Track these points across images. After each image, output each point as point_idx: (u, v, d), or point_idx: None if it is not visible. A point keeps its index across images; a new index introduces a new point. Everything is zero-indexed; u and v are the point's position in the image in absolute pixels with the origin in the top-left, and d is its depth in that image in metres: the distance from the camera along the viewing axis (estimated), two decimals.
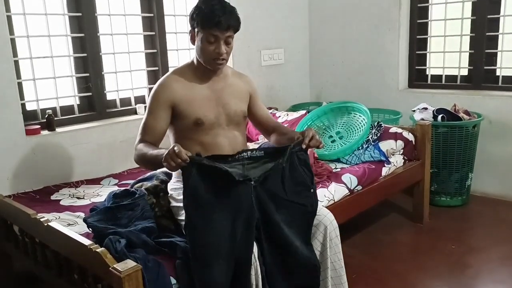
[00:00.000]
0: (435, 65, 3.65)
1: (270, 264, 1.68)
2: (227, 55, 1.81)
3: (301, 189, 1.75)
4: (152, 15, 3.03)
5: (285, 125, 3.07)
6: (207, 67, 1.85)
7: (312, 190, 1.77)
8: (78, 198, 2.29)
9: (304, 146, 1.75)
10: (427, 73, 3.69)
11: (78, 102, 2.79)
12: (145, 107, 1.90)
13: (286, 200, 1.72)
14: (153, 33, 3.05)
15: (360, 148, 2.69)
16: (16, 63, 2.46)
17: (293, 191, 1.73)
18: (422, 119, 3.07)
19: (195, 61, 1.89)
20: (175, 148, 1.55)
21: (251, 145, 2.74)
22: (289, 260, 1.71)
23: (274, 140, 2.02)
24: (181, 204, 1.83)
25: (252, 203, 1.65)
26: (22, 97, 2.51)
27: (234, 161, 1.68)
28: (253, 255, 1.62)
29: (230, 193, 1.64)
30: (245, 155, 1.69)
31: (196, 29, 1.80)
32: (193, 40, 1.84)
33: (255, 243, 1.65)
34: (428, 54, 3.67)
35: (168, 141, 1.97)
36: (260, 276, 1.64)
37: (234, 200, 1.64)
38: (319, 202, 2.12)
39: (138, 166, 2.01)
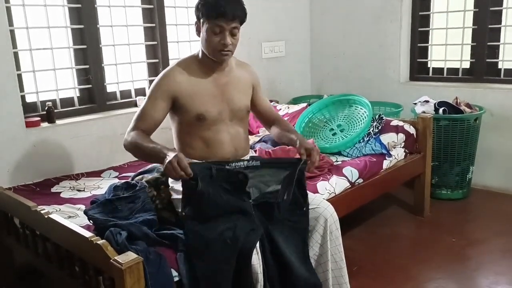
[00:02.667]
0: (436, 58, 3.64)
1: (272, 277, 1.68)
2: (232, 47, 1.78)
3: (294, 207, 1.77)
4: (152, 6, 3.01)
5: (286, 118, 3.07)
6: (212, 60, 1.82)
7: (304, 209, 1.79)
8: (79, 190, 2.28)
9: (307, 171, 1.80)
10: (429, 65, 3.68)
11: (78, 94, 2.77)
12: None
13: (279, 219, 1.74)
14: (153, 25, 3.03)
15: (361, 141, 2.68)
16: (16, 54, 2.44)
17: (286, 210, 1.76)
18: (424, 112, 3.06)
19: (200, 53, 1.86)
20: (178, 157, 1.56)
21: (252, 138, 2.73)
22: (287, 276, 1.70)
23: (275, 134, 2.02)
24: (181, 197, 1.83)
25: (253, 217, 1.69)
26: (22, 89, 2.50)
27: (230, 169, 1.72)
28: (255, 253, 1.61)
29: (232, 207, 1.68)
30: (242, 165, 1.72)
31: (201, 20, 1.77)
32: (198, 32, 1.81)
33: (258, 254, 1.63)
34: (430, 47, 3.65)
35: (170, 135, 1.96)
36: (262, 273, 1.64)
37: (236, 212, 1.68)
38: (319, 194, 2.13)
39: (136, 159, 2.00)
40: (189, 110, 1.82)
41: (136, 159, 2.05)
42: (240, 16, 1.76)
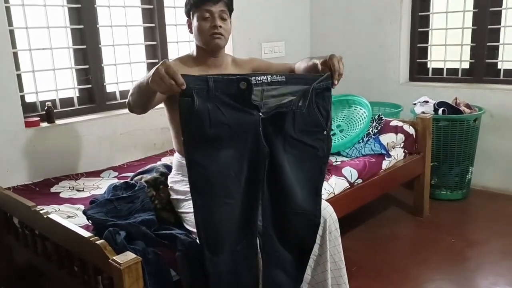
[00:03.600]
0: (436, 58, 3.64)
1: (267, 213, 1.55)
2: (225, 32, 1.80)
3: (313, 129, 1.57)
4: (152, 6, 3.01)
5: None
6: (206, 55, 1.84)
7: (325, 133, 1.59)
8: (78, 190, 2.28)
9: (336, 83, 1.61)
10: (428, 66, 3.68)
11: (77, 94, 2.77)
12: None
13: (295, 139, 1.55)
14: (153, 25, 3.03)
15: (361, 141, 2.68)
16: (15, 54, 2.44)
17: (303, 130, 1.55)
18: (423, 113, 3.06)
19: (194, 51, 1.89)
20: (166, 64, 1.35)
21: None
22: (286, 209, 1.57)
23: (300, 69, 1.93)
24: (181, 197, 1.83)
25: (260, 136, 1.48)
26: (21, 89, 2.50)
27: (252, 84, 1.46)
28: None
29: (236, 125, 1.46)
30: (265, 79, 1.48)
31: (191, 13, 1.82)
32: (190, 29, 1.85)
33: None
34: (429, 47, 3.65)
35: (170, 135, 1.96)
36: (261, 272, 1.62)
37: (240, 133, 1.47)
38: None
39: (137, 156, 1.98)
40: None
41: (137, 159, 2.03)
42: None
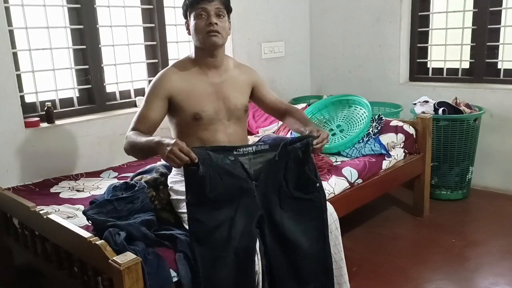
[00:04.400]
0: (436, 58, 3.63)
1: (279, 268, 1.66)
2: (221, 29, 1.79)
3: (305, 184, 1.73)
4: (151, 7, 3.01)
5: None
6: (205, 57, 1.84)
7: (318, 185, 1.74)
8: (78, 190, 2.28)
9: (314, 143, 1.72)
10: (428, 66, 3.68)
11: (77, 95, 2.77)
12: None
13: (290, 197, 1.71)
14: (152, 25, 3.03)
15: (361, 141, 2.68)
16: (15, 55, 2.44)
17: (297, 187, 1.72)
18: (423, 112, 3.05)
19: (193, 53, 1.89)
20: (179, 145, 1.54)
21: (251, 138, 2.73)
22: (296, 259, 1.68)
23: (287, 123, 2.05)
24: (181, 197, 1.83)
25: (255, 200, 1.66)
26: (21, 89, 2.50)
27: (239, 155, 1.68)
28: (256, 250, 1.62)
29: (234, 190, 1.65)
30: (251, 150, 1.69)
31: (187, 13, 1.83)
32: (188, 30, 1.85)
33: (258, 241, 1.64)
34: (429, 47, 3.65)
35: (169, 136, 1.96)
36: (261, 274, 1.64)
37: (237, 196, 1.65)
38: None
39: (136, 159, 1.99)
40: (185, 109, 1.82)
41: (136, 159, 2.05)
42: None
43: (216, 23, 1.77)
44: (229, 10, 1.85)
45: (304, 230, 1.71)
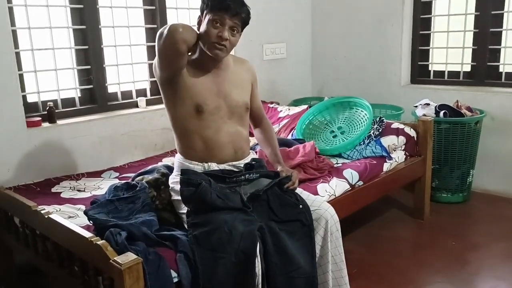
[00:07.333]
0: (438, 61, 3.64)
1: (274, 270, 1.69)
2: (229, 45, 1.77)
3: (290, 209, 1.81)
4: (154, 7, 3.02)
5: (286, 120, 3.07)
6: (208, 58, 1.81)
7: (301, 206, 1.82)
8: (79, 190, 2.28)
9: (287, 186, 1.87)
10: (430, 68, 3.68)
11: (79, 95, 2.78)
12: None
13: (281, 221, 1.78)
14: (155, 26, 3.04)
15: (362, 143, 2.68)
16: (18, 54, 2.45)
17: (284, 213, 1.79)
18: (424, 115, 3.06)
19: (197, 53, 1.86)
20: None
21: (253, 139, 2.72)
22: (291, 270, 1.71)
23: (258, 139, 2.13)
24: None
25: (254, 217, 1.74)
26: (23, 89, 2.51)
27: (232, 182, 1.82)
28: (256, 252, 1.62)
29: (230, 206, 1.74)
30: (242, 178, 1.83)
31: (204, 12, 1.77)
32: (199, 26, 1.80)
33: (258, 244, 1.64)
34: (431, 50, 3.65)
35: (171, 136, 1.96)
36: (261, 276, 1.64)
37: (236, 209, 1.74)
38: (320, 196, 2.13)
39: (138, 156, 1.97)
40: (189, 97, 1.81)
41: (139, 159, 2.04)
42: (243, 15, 1.77)
43: (227, 39, 1.74)
44: (245, 26, 1.83)
45: (298, 247, 1.75)
